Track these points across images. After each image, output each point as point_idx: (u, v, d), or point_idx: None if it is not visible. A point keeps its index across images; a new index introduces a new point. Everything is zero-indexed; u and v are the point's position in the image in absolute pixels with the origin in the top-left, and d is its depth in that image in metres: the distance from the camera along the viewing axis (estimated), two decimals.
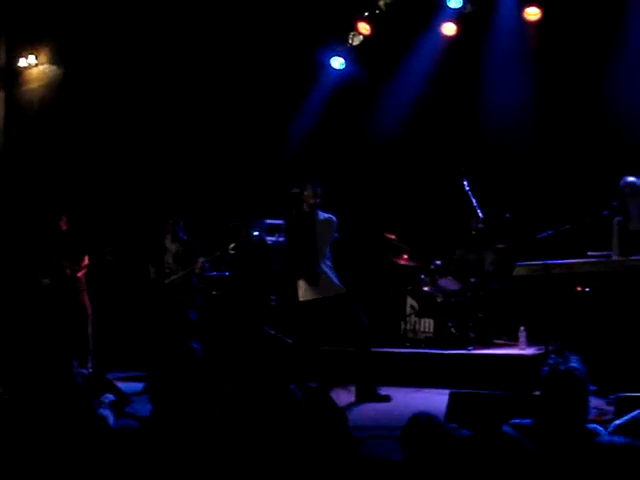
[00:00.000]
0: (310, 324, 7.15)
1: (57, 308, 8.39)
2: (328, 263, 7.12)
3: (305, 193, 7.12)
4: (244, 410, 4.14)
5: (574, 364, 3.72)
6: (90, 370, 7.80)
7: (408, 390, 7.31)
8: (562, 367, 3.70)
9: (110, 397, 6.63)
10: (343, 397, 6.87)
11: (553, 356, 3.85)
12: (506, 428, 3.17)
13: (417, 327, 8.59)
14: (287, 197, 7.29)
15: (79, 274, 8.39)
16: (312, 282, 7.08)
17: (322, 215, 7.18)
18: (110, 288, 9.38)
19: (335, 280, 7.10)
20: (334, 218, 7.19)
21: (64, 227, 8.47)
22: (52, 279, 8.38)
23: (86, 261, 8.45)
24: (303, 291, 7.16)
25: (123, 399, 6.73)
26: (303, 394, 3.98)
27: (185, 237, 8.19)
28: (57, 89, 10.64)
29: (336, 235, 7.25)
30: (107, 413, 4.92)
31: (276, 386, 3.98)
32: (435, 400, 6.28)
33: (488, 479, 2.91)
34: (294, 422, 3.74)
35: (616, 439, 3.38)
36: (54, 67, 10.66)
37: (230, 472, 3.77)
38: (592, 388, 3.79)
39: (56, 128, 10.50)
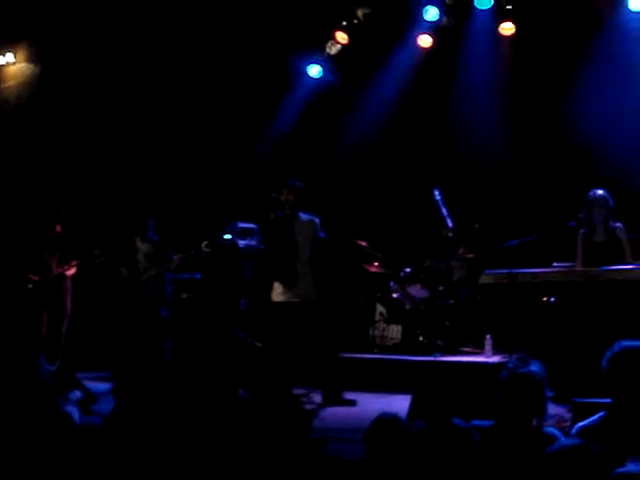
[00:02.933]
0: (279, 326, 7.20)
1: (34, 306, 8.33)
2: (307, 266, 7.17)
3: (282, 198, 7.17)
4: (202, 411, 4.17)
5: (533, 368, 3.81)
6: (57, 368, 7.78)
7: (375, 395, 7.38)
8: (521, 371, 3.79)
9: (77, 395, 6.65)
10: (314, 400, 6.96)
11: (513, 360, 3.95)
12: (456, 420, 3.26)
13: (385, 333, 8.69)
14: (266, 201, 7.35)
15: (66, 272, 8.32)
16: (288, 284, 7.12)
17: (304, 216, 7.23)
18: (84, 288, 9.34)
19: (310, 284, 7.15)
20: (316, 219, 7.25)
21: (58, 228, 8.41)
22: (38, 277, 8.32)
23: (74, 263, 8.38)
24: (277, 293, 7.21)
25: (90, 398, 6.77)
26: (264, 396, 4.03)
27: (155, 237, 8.21)
28: (34, 87, 10.59)
29: (321, 235, 7.29)
30: (72, 410, 4.93)
31: (223, 390, 4.03)
32: (400, 405, 6.35)
33: (438, 467, 2.99)
34: (239, 425, 3.79)
35: (574, 441, 3.47)
36: (31, 65, 10.61)
37: (188, 471, 3.80)
38: (550, 394, 3.88)
39: (33, 126, 10.45)
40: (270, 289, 7.29)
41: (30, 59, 10.62)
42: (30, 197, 9.95)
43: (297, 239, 7.15)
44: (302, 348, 7.64)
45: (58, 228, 8.40)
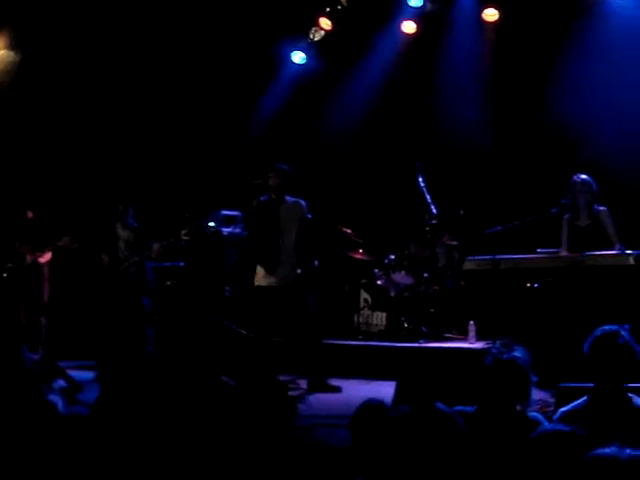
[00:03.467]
0: (262, 311, 7.18)
1: (12, 294, 8.28)
2: (291, 251, 7.15)
3: (269, 182, 7.14)
4: (187, 398, 4.16)
5: (517, 354, 3.82)
6: (40, 357, 7.74)
7: (360, 381, 7.41)
8: (505, 356, 3.80)
9: (61, 383, 6.61)
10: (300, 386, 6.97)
11: (497, 346, 3.95)
12: (440, 405, 3.27)
13: (370, 320, 8.71)
14: (249, 188, 7.33)
15: (41, 260, 8.27)
16: (270, 269, 7.12)
17: (290, 200, 7.21)
18: (65, 277, 9.29)
19: (293, 269, 7.13)
20: (302, 202, 7.23)
21: (30, 215, 8.35)
22: (13, 265, 8.26)
23: (49, 250, 8.33)
24: (259, 277, 7.20)
25: (74, 386, 6.73)
26: (248, 383, 4.03)
27: (135, 224, 8.17)
28: (15, 74, 10.49)
29: (308, 216, 7.26)
30: (57, 399, 4.90)
31: (207, 377, 4.03)
32: (386, 391, 6.36)
33: (422, 452, 3.00)
34: (224, 412, 3.79)
35: (557, 426, 3.49)
36: (12, 52, 10.51)
37: (173, 460, 3.79)
38: (534, 379, 3.90)
39: (13, 114, 10.36)
40: (253, 274, 7.28)
41: (11, 46, 10.51)
42: (6, 184, 9.88)
43: (282, 224, 7.14)
44: (285, 334, 7.64)
45: (29, 214, 8.33)
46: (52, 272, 8.60)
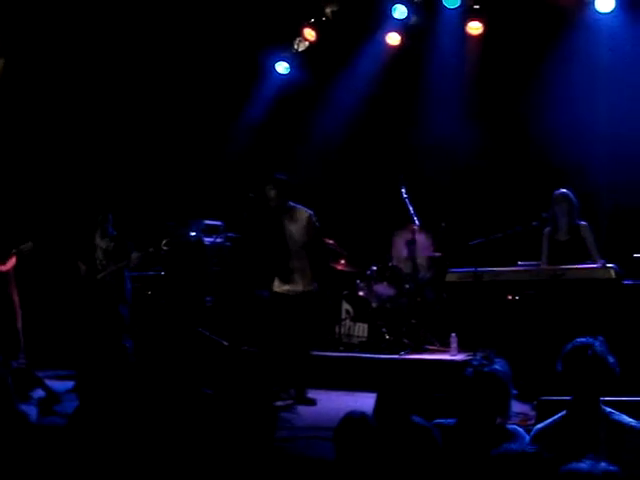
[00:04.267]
0: (277, 317, 7.11)
1: None
2: (302, 259, 7.06)
3: (267, 193, 7.09)
4: (166, 408, 4.13)
5: (497, 366, 3.82)
6: (21, 365, 7.66)
7: (341, 393, 7.39)
8: (486, 369, 3.79)
9: (40, 393, 6.55)
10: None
11: (478, 358, 3.94)
12: (417, 419, 3.25)
13: (352, 331, 8.69)
14: (241, 200, 7.30)
15: (3, 268, 8.21)
16: (284, 279, 7.06)
17: (294, 209, 7.13)
18: (41, 285, 9.22)
19: (303, 278, 7.05)
20: (308, 211, 7.13)
21: None
22: None
23: (12, 256, 8.27)
24: (275, 284, 7.15)
25: (52, 397, 6.66)
26: (228, 394, 3.99)
27: (115, 233, 8.12)
28: None
29: (317, 225, 7.18)
30: (29, 409, 4.84)
31: (187, 387, 4.00)
32: (367, 403, 6.34)
33: (397, 466, 2.99)
34: (203, 422, 3.76)
35: (522, 447, 3.45)
36: None
37: (152, 470, 3.76)
38: (514, 391, 3.89)
39: None
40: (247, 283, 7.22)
41: None
42: None
43: (287, 232, 7.06)
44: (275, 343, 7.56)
45: None
46: (30, 281, 8.54)
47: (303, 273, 7.07)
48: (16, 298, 8.32)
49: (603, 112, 8.56)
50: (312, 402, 6.98)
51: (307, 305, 7.07)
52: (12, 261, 8.26)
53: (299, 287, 7.06)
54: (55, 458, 3.83)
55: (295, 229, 7.08)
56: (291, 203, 7.17)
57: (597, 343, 3.75)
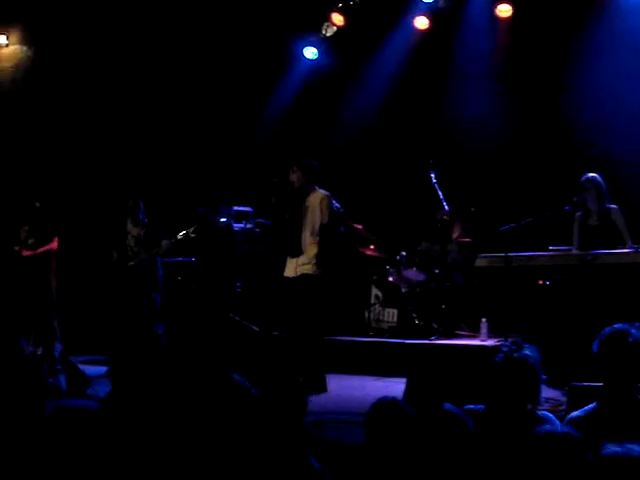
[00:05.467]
0: (285, 302, 7.11)
1: (16, 283, 8.30)
2: (312, 243, 7.00)
3: (290, 177, 7.08)
4: (196, 395, 4.16)
5: (528, 352, 3.80)
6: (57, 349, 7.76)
7: (370, 378, 7.40)
8: (516, 355, 3.78)
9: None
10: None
11: (507, 344, 3.93)
12: (448, 406, 3.25)
13: (381, 317, 8.70)
14: (267, 186, 7.30)
15: (48, 248, 8.28)
16: (294, 254, 7.04)
17: (316, 192, 7.07)
18: (74, 271, 9.32)
19: (310, 261, 6.99)
20: (326, 193, 7.07)
21: (37, 204, 8.36)
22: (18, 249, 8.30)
23: (55, 239, 8.33)
24: (287, 268, 7.14)
25: (84, 380, 6.76)
26: (259, 381, 4.01)
27: (146, 220, 8.18)
28: (28, 70, 10.53)
29: (337, 206, 7.15)
30: (60, 380, 4.90)
31: (217, 373, 4.01)
32: (397, 388, 6.35)
33: (429, 454, 2.99)
34: (238, 408, 3.78)
35: (561, 428, 3.46)
36: (25, 48, 10.55)
37: (183, 457, 3.80)
38: (544, 377, 3.87)
39: (26, 109, 10.40)
40: (277, 269, 7.20)
41: (23, 41, 10.55)
42: (21, 178, 9.93)
43: (303, 213, 7.02)
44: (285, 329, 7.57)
45: (36, 204, 8.35)
46: (63, 267, 8.61)
47: (310, 255, 6.98)
48: (53, 283, 8.38)
49: (637, 94, 8.43)
50: (323, 389, 6.87)
51: (308, 289, 6.96)
52: (55, 242, 8.32)
53: (303, 269, 6.97)
54: (88, 440, 3.88)
55: (309, 210, 7.03)
56: (315, 187, 7.13)
57: (635, 330, 3.72)
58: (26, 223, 8.32)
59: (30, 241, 8.25)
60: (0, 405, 3.77)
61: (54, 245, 8.32)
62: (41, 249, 8.25)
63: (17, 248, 8.26)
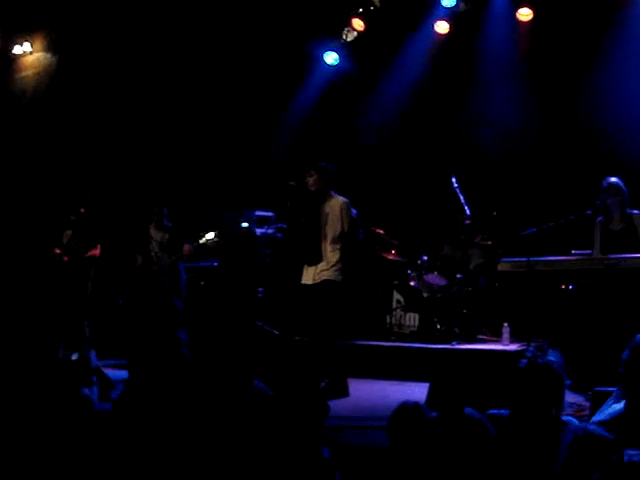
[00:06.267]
0: (304, 309, 7.11)
1: (56, 287, 8.41)
2: (334, 247, 6.98)
3: (307, 181, 7.08)
4: (217, 401, 4.18)
5: (552, 358, 3.80)
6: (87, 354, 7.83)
7: (392, 383, 7.40)
8: (540, 360, 3.78)
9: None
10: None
11: (531, 349, 3.93)
12: (469, 410, 3.26)
13: (403, 321, 8.70)
14: (283, 189, 7.31)
15: (91, 254, 8.37)
16: (311, 262, 7.03)
17: (332, 198, 7.08)
18: (99, 276, 9.40)
19: (329, 267, 6.99)
20: (346, 200, 7.05)
21: (82, 210, 8.45)
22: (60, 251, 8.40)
23: (97, 246, 8.44)
24: (304, 276, 7.14)
25: (108, 385, 6.81)
26: (281, 386, 4.03)
27: (170, 225, 8.24)
28: (51, 77, 10.64)
29: (352, 215, 7.09)
30: (92, 392, 4.96)
31: (239, 379, 4.03)
32: (418, 393, 6.35)
33: (450, 458, 3.00)
34: (259, 414, 3.80)
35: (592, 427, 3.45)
36: (49, 55, 10.66)
37: (200, 461, 3.82)
38: (568, 382, 3.87)
39: (49, 116, 10.51)
40: (296, 274, 7.20)
41: (47, 49, 10.66)
42: (48, 186, 10.04)
43: (322, 219, 7.03)
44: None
45: (82, 210, 8.45)
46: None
47: (331, 262, 6.98)
48: (89, 290, 8.46)
49: None
50: (344, 393, 6.85)
51: (329, 294, 6.96)
52: (98, 249, 8.42)
53: (323, 275, 6.97)
54: (109, 442, 3.92)
55: (330, 217, 7.02)
56: (332, 192, 7.11)
57: None
58: (69, 228, 8.43)
59: (73, 246, 8.35)
60: (31, 411, 3.83)
61: (96, 252, 8.42)
62: (85, 255, 8.35)
63: (58, 251, 8.37)
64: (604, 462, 2.95)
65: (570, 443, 3.42)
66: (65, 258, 8.35)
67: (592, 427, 3.60)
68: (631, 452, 2.68)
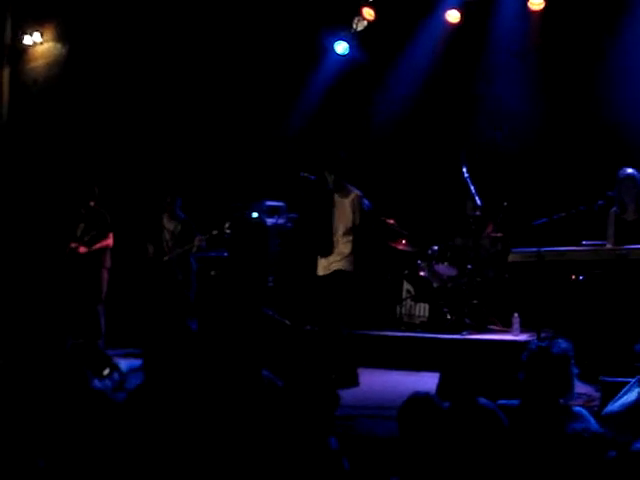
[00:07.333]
0: (320, 300, 7.12)
1: (66, 280, 8.46)
2: (347, 239, 7.00)
3: (327, 175, 7.04)
4: (227, 389, 4.19)
5: (558, 346, 3.80)
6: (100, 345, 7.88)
7: (402, 373, 7.41)
8: (545, 349, 3.79)
9: (116, 377, 6.72)
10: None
11: (540, 338, 3.94)
12: (482, 400, 3.26)
13: (413, 311, 8.70)
14: (296, 181, 7.32)
15: (99, 246, 8.42)
16: (324, 254, 7.05)
17: (346, 189, 7.07)
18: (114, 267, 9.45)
19: (341, 258, 7.00)
20: (359, 193, 7.05)
21: (92, 203, 8.51)
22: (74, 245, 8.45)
23: (108, 237, 8.48)
24: (319, 267, 7.14)
25: (120, 375, 6.85)
26: (291, 375, 4.04)
27: (183, 215, 8.26)
28: (62, 67, 10.65)
29: (367, 204, 7.11)
30: (105, 384, 4.98)
31: (249, 369, 4.04)
32: (428, 383, 6.36)
33: (463, 448, 3.00)
34: (266, 405, 3.81)
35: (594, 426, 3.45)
36: (59, 45, 10.66)
37: (212, 450, 3.83)
38: (576, 371, 3.86)
39: (60, 106, 10.53)
40: (307, 265, 7.21)
41: (58, 39, 10.67)
42: (59, 176, 10.07)
43: (336, 210, 7.03)
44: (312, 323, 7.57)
45: (92, 203, 8.51)
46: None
47: (343, 253, 7.00)
48: (105, 280, 8.49)
49: None
50: (355, 383, 6.89)
51: (340, 284, 6.97)
52: (110, 239, 8.46)
53: (335, 265, 6.98)
54: (121, 433, 3.94)
55: (344, 208, 7.03)
56: (345, 183, 7.11)
57: None
58: (82, 221, 8.48)
59: (86, 238, 8.40)
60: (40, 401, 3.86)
61: (109, 242, 8.47)
62: (97, 245, 8.39)
63: (74, 245, 8.43)
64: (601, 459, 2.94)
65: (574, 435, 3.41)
66: (81, 250, 8.38)
67: (584, 425, 3.60)
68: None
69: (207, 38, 9.99)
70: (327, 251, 7.02)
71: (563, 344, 3.80)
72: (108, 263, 8.55)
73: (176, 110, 10.15)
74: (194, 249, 8.07)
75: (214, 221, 8.36)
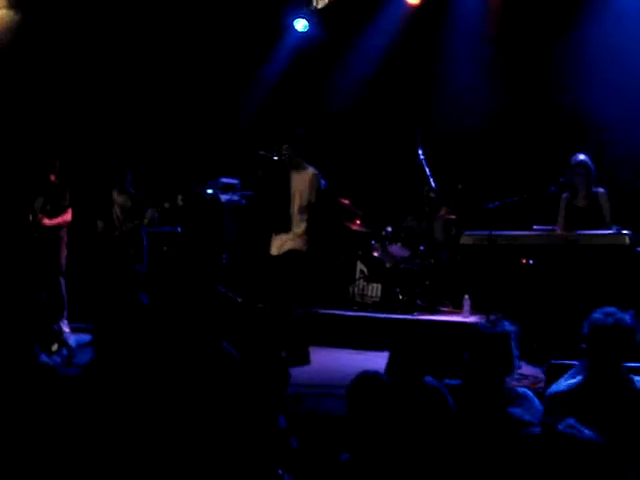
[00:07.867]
0: (275, 280, 7.12)
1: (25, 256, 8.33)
2: (299, 219, 6.97)
3: (285, 151, 7.00)
4: (183, 365, 4.19)
5: (503, 327, 3.85)
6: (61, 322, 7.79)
7: (353, 352, 7.46)
8: (487, 329, 3.84)
9: (57, 347, 6.66)
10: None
11: (483, 321, 4.00)
12: (428, 379, 3.30)
13: (365, 291, 8.75)
14: (253, 159, 7.27)
15: (61, 220, 8.28)
16: (283, 230, 7.01)
17: (302, 167, 7.05)
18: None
19: (295, 237, 6.98)
20: (315, 172, 7.02)
21: (52, 178, 8.35)
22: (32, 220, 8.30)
23: (67, 212, 8.34)
24: (273, 247, 7.12)
25: (69, 349, 6.79)
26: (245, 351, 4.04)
27: (132, 190, 8.16)
28: (15, 34, 10.41)
29: (323, 183, 7.07)
30: (54, 360, 4.92)
31: (207, 343, 4.04)
32: (378, 362, 6.39)
33: (411, 424, 3.04)
34: (226, 377, 3.81)
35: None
36: (11, 12, 10.43)
37: (166, 422, 3.83)
38: (517, 352, 3.90)
39: (12, 73, 10.30)
40: (262, 243, 7.19)
41: (10, 5, 10.42)
42: (15, 147, 9.87)
43: (292, 188, 7.00)
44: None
45: (52, 178, 8.34)
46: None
47: (297, 232, 6.98)
48: (63, 255, 8.35)
49: (629, 72, 8.38)
50: (306, 361, 6.90)
51: (293, 264, 6.96)
52: (69, 214, 8.31)
53: (289, 245, 6.98)
54: (73, 408, 3.91)
55: (300, 186, 7.01)
56: (303, 162, 7.09)
57: (623, 314, 3.78)
58: (41, 194, 8.32)
59: (45, 211, 8.24)
60: None
61: (68, 217, 8.33)
62: (55, 220, 8.24)
63: (30, 218, 8.26)
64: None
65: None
66: (45, 222, 8.22)
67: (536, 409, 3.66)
68: (572, 422, 2.72)
69: (165, 14, 9.85)
70: (285, 227, 7.00)
71: (507, 325, 3.85)
72: (65, 239, 8.41)
73: (131, 83, 10.00)
74: (146, 222, 7.98)
75: (167, 196, 8.27)
